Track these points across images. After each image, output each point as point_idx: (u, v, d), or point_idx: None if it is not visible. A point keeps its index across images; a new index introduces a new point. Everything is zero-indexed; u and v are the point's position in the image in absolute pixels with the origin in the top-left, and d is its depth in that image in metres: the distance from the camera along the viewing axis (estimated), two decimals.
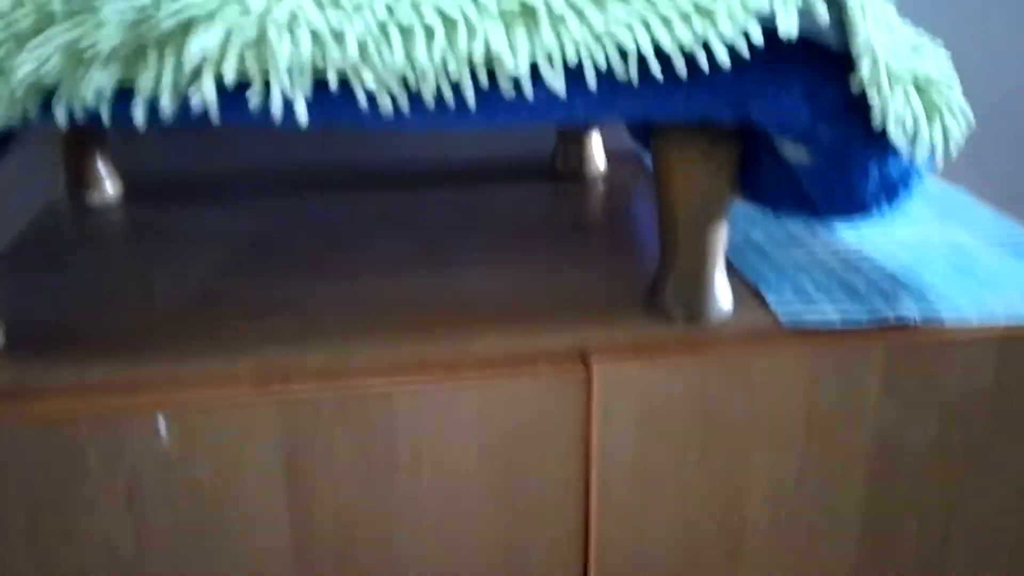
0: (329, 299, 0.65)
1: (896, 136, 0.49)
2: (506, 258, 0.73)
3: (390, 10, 0.46)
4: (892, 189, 0.53)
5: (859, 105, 0.49)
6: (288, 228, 0.81)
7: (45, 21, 0.44)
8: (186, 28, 0.44)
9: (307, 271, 0.71)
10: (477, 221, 0.82)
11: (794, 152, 0.53)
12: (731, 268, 0.68)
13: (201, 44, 0.44)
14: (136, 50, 0.45)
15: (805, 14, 0.46)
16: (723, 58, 0.46)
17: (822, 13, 0.46)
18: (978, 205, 0.81)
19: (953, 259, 0.68)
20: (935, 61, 0.51)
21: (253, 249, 0.76)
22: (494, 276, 0.69)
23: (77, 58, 0.44)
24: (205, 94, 0.44)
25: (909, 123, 0.49)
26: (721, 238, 0.59)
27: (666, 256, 0.60)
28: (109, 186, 0.89)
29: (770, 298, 0.61)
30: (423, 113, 0.47)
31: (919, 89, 0.50)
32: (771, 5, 0.46)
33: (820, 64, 0.49)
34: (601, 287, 0.66)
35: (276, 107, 0.45)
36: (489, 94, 0.47)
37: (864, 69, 0.47)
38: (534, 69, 0.47)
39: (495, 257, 0.73)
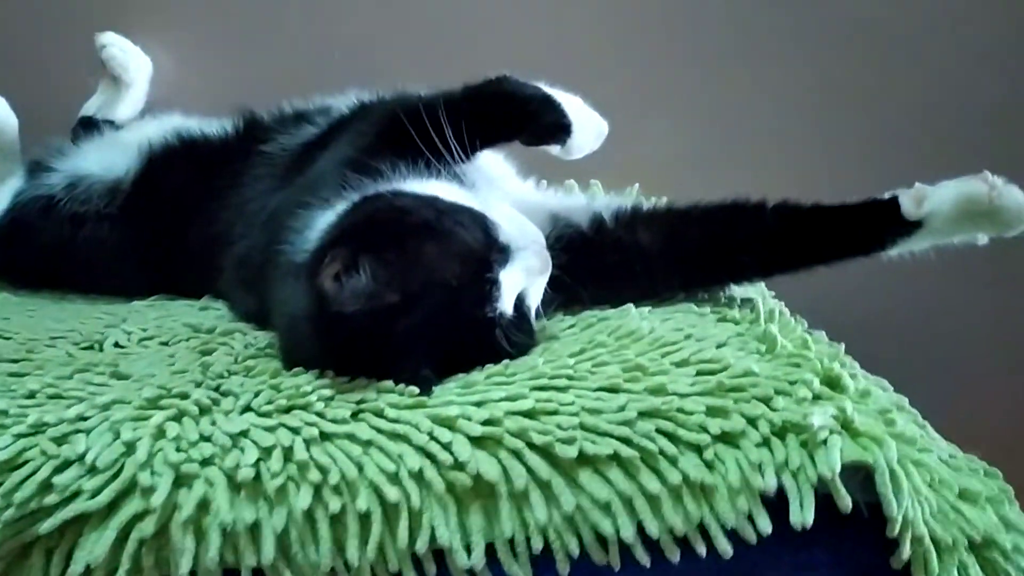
0: None
1: None
2: None
3: (318, 493, 0.38)
4: None
5: (903, 570, 0.40)
6: None
7: None
8: (76, 526, 0.38)
9: None
10: None
11: None
12: None
13: (89, 551, 0.37)
14: (19, 551, 0.38)
15: (823, 488, 0.38)
16: (724, 547, 0.37)
17: (845, 502, 0.37)
18: None
19: None
20: (995, 509, 0.41)
21: None
22: None
23: None
24: None
25: None
26: None
27: None
28: None
29: None
30: None
31: (976, 551, 0.40)
32: (779, 484, 0.37)
33: (847, 528, 0.40)
34: None
35: None
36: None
37: (905, 550, 0.38)
38: (491, 547, 0.39)
39: None
